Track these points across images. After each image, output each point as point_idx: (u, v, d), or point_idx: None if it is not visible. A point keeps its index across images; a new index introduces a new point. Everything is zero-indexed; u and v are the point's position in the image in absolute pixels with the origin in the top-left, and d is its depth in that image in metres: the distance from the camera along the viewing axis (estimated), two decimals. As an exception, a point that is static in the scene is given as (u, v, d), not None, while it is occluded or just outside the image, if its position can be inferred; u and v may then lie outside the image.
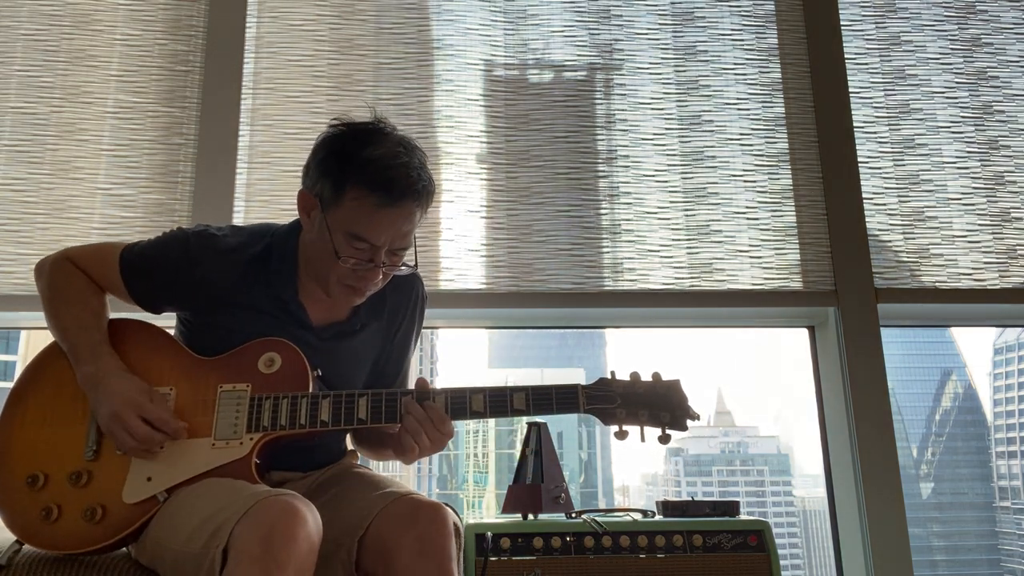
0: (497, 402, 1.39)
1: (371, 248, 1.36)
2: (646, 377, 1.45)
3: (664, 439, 1.42)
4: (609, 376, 1.44)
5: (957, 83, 2.58)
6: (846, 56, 2.56)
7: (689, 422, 1.41)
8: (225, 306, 1.44)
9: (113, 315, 1.49)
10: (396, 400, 1.38)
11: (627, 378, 1.44)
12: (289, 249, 1.48)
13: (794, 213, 2.44)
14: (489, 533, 1.66)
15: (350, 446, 1.64)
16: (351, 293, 1.43)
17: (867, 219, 2.43)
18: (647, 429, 1.42)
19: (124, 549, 1.36)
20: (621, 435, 1.41)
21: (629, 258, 2.38)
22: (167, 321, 1.54)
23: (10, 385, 1.43)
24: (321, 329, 1.48)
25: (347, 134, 1.40)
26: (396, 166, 1.34)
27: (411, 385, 1.57)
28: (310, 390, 1.38)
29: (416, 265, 1.45)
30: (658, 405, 1.42)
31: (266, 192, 2.35)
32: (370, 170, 1.33)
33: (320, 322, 1.49)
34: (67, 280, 1.45)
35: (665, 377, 1.45)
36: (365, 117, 1.45)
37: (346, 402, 1.37)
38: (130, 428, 1.29)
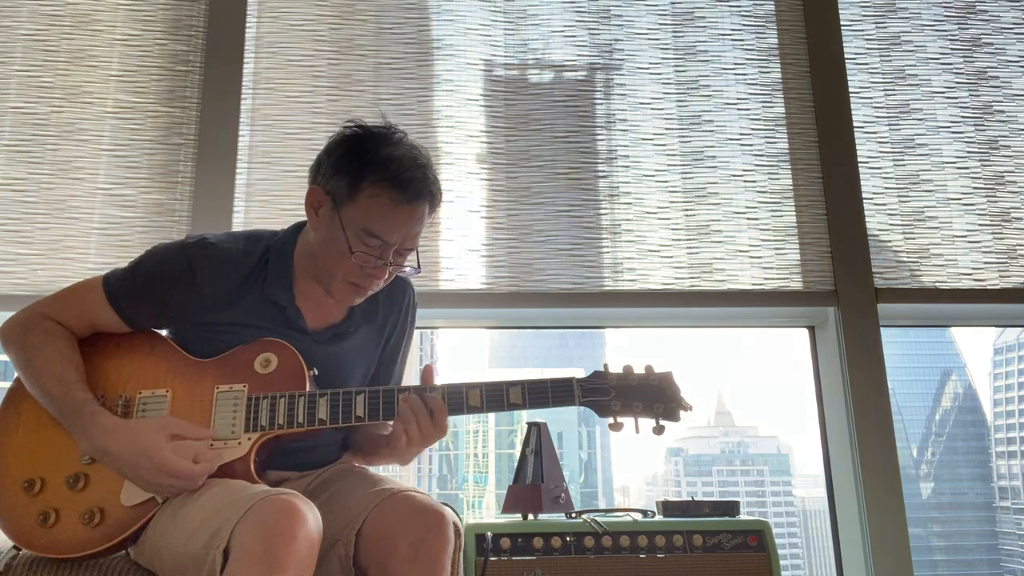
0: (493, 397, 1.39)
1: (382, 246, 1.39)
2: (639, 370, 1.45)
3: (658, 430, 1.42)
4: (603, 369, 1.45)
5: (957, 83, 2.57)
6: (846, 56, 2.55)
7: (682, 413, 1.42)
8: (223, 313, 1.43)
9: None
10: (393, 397, 1.38)
11: (620, 371, 1.45)
12: (287, 254, 1.48)
13: (794, 213, 2.44)
14: (489, 533, 1.66)
15: None
16: (354, 292, 1.44)
17: (867, 219, 2.43)
18: (641, 420, 1.43)
19: (122, 552, 1.36)
20: (616, 427, 1.40)
21: (629, 258, 2.38)
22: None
23: (9, 385, 1.43)
24: (318, 333, 1.49)
25: (364, 135, 1.43)
26: (414, 167, 1.39)
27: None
28: (307, 389, 1.38)
29: (419, 267, 1.47)
30: (652, 397, 1.43)
31: (266, 192, 2.35)
32: (389, 169, 1.37)
33: (316, 326, 1.49)
34: (46, 337, 1.37)
35: (658, 369, 1.46)
36: (376, 120, 1.47)
37: (343, 400, 1.37)
38: (176, 488, 1.27)
